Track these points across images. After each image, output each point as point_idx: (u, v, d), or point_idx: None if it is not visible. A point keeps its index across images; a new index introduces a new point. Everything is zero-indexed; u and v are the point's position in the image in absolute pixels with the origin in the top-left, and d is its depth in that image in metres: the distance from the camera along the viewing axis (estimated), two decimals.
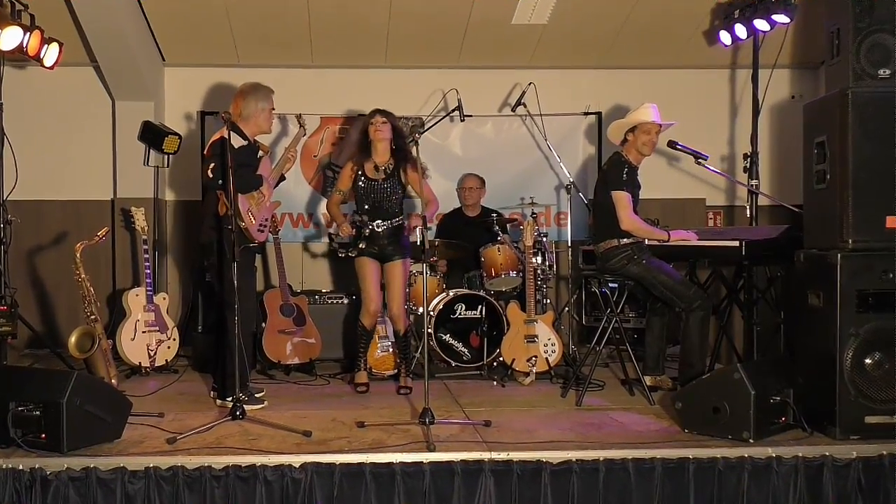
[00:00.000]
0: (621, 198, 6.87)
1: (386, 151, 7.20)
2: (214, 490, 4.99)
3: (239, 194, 6.31)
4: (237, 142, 6.47)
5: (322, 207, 9.50)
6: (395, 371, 7.53)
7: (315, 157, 9.68)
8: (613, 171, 7.01)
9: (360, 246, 7.10)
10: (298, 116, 7.59)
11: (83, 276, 7.13)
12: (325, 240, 9.64)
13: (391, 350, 7.63)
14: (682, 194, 9.91)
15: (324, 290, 8.75)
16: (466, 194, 9.03)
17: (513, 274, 8.09)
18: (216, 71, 9.59)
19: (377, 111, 7.17)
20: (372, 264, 7.15)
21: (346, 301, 8.47)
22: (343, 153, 9.45)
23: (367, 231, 7.10)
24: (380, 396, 7.04)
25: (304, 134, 7.63)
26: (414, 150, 6.38)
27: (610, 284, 7.34)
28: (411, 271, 8.02)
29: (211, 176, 6.39)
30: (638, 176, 7.04)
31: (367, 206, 7.15)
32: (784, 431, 5.59)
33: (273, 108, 6.80)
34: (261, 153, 6.80)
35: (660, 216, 8.78)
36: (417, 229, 6.86)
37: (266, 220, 6.77)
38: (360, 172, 7.18)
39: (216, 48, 9.27)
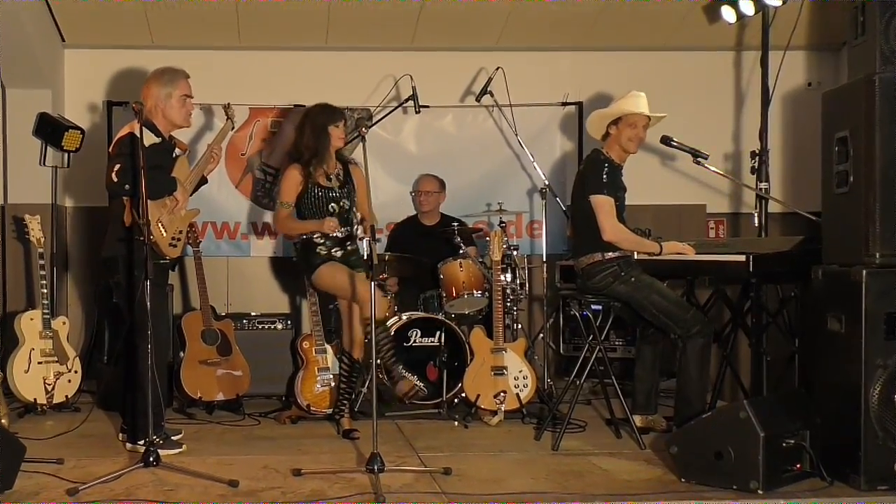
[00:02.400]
0: (602, 203, 6.86)
1: (332, 156, 7.24)
2: None
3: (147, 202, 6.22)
4: (148, 139, 6.39)
5: (252, 215, 9.55)
6: (333, 409, 7.46)
7: (243, 154, 9.59)
8: (592, 171, 7.01)
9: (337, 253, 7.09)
10: (226, 107, 7.51)
11: None
12: (259, 249, 9.60)
13: (333, 384, 7.56)
14: (679, 200, 9.93)
15: (253, 313, 8.70)
16: (423, 199, 9.02)
17: (477, 294, 8.10)
18: (126, 53, 9.48)
19: (340, 112, 7.20)
20: (348, 272, 7.11)
21: (279, 326, 8.50)
22: (276, 152, 9.39)
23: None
24: (319, 439, 7.04)
25: (233, 128, 7.59)
26: (360, 147, 6.32)
27: (592, 306, 7.35)
28: None
29: (115, 179, 6.32)
30: (622, 177, 7.04)
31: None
32: (799, 481, 5.61)
33: (187, 95, 6.73)
34: (177, 152, 6.73)
35: (652, 225, 8.70)
36: (364, 241, 6.82)
37: (180, 231, 6.73)
38: (310, 182, 7.13)
39: (125, 26, 9.16)
